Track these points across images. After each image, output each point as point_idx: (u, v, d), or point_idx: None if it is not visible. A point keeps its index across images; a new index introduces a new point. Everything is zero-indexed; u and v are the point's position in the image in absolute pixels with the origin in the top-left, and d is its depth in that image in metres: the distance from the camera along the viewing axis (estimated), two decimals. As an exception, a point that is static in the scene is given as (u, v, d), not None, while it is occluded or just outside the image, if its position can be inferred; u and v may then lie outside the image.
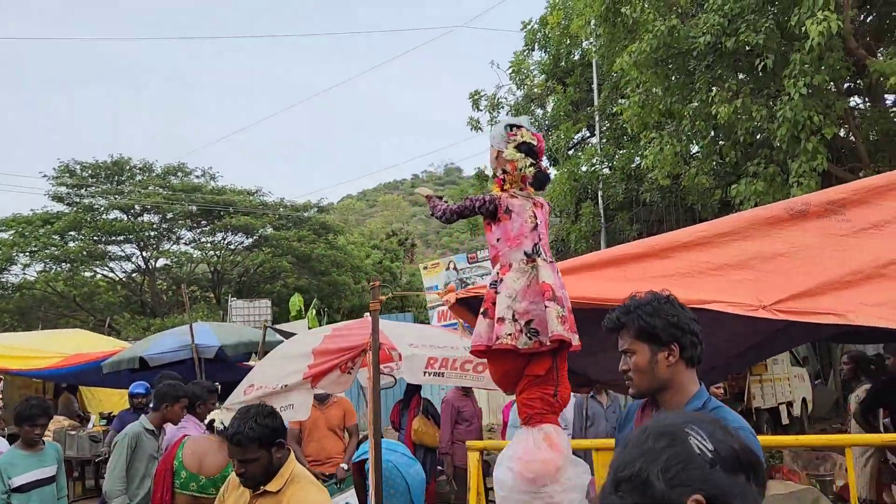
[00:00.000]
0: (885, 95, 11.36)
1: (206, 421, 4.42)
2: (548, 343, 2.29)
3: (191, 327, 8.85)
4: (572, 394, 7.73)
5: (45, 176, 27.57)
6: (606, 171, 13.77)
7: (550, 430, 2.25)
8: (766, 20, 8.98)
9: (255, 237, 30.47)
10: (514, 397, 7.49)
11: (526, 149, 2.62)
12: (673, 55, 10.17)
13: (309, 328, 13.31)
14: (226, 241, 30.83)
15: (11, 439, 6.23)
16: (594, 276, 3.77)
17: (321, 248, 29.74)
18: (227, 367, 9.32)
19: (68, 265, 26.51)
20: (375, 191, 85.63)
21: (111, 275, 29.52)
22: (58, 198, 27.78)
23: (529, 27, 16.80)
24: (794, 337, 5.08)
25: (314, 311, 21.32)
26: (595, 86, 14.68)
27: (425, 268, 15.16)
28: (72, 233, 26.89)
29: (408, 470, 4.74)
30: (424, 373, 3.91)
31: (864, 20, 11.07)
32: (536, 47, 16.86)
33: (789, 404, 11.93)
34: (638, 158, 13.43)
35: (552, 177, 15.51)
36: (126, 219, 28.38)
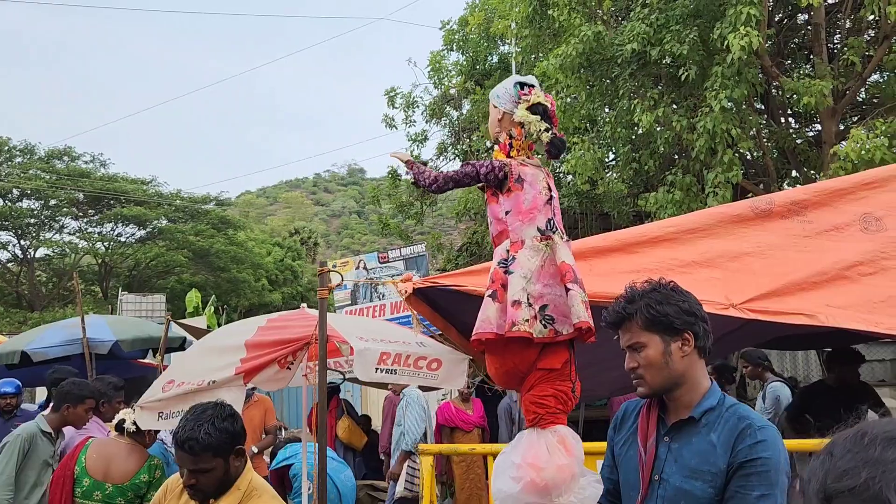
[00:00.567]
0: (788, 113, 11.92)
1: (115, 421, 3.91)
2: (567, 332, 1.99)
3: (82, 319, 8.08)
4: (506, 395, 7.63)
5: None
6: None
7: (566, 433, 1.97)
8: (690, 32, 9.16)
9: (148, 229, 28.87)
10: (449, 398, 7.23)
11: (541, 111, 2.31)
12: (598, 61, 10.24)
13: (207, 327, 12.60)
14: (116, 233, 29.06)
15: None
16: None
17: (220, 244, 28.56)
18: (121, 365, 8.61)
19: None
20: (276, 188, 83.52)
21: (-17, 264, 27.24)
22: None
23: (448, 27, 16.66)
24: (742, 339, 5.09)
25: (212, 309, 20.39)
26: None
27: (334, 266, 14.63)
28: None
29: (338, 476, 4.41)
30: (376, 369, 3.58)
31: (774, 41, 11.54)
32: (455, 48, 16.72)
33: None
34: (556, 163, 13.51)
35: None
36: (2, 203, 26.20)
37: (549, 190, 2.23)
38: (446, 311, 3.62)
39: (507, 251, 2.14)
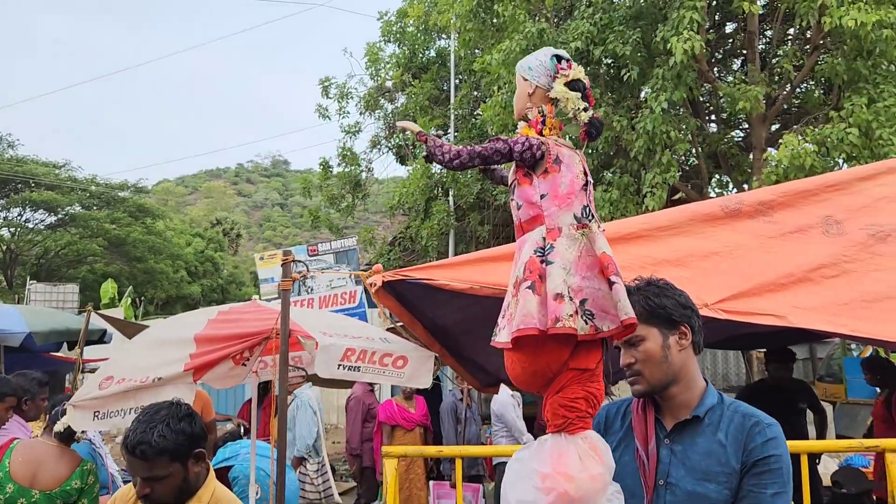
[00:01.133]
0: (713, 119, 12.26)
1: (58, 428, 3.56)
2: (606, 328, 1.83)
3: (-11, 308, 7.51)
4: (449, 394, 7.52)
5: None
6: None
7: (596, 439, 1.82)
8: (633, 33, 9.25)
9: (59, 215, 27.38)
10: (397, 395, 7.05)
11: (581, 88, 2.07)
12: (540, 59, 10.24)
13: (124, 318, 12.00)
14: (23, 218, 27.45)
15: None
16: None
17: (138, 233, 27.39)
18: (31, 358, 8.06)
19: None
20: (196, 177, 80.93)
21: None
22: None
23: (386, 18, 16.42)
24: (706, 336, 5.11)
25: (129, 300, 19.57)
26: (452, 84, 14.57)
27: (261, 258, 14.15)
28: None
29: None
30: (339, 366, 3.37)
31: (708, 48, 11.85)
32: (392, 40, 16.50)
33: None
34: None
35: (407, 173, 15.24)
36: None
37: (585, 175, 2.02)
38: (413, 305, 3.47)
39: (544, 239, 1.91)
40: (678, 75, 9.02)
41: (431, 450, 3.23)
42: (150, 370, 3.32)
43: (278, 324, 3.29)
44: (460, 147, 2.04)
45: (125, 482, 3.73)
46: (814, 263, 3.49)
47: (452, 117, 14.35)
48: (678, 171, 9.63)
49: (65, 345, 8.71)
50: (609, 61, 10.34)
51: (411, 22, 15.72)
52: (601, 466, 1.74)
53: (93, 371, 7.09)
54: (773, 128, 11.51)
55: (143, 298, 22.96)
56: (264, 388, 7.02)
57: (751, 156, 11.24)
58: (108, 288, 19.67)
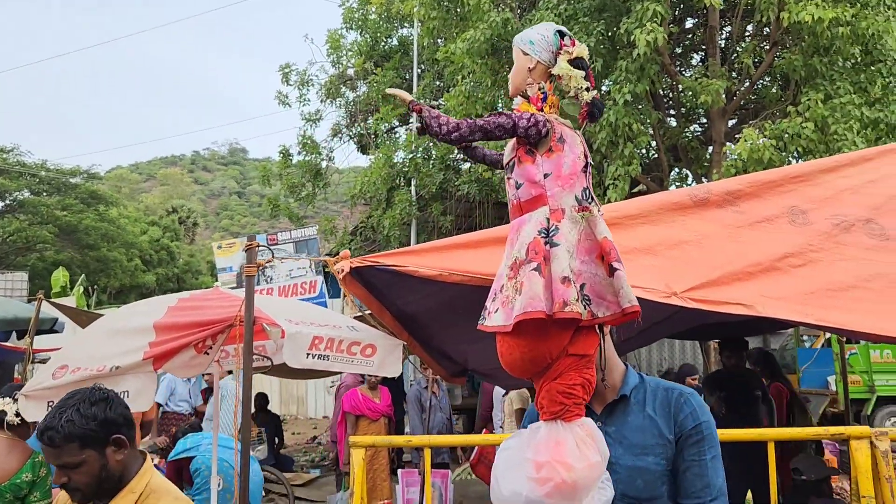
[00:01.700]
0: (672, 113, 12.41)
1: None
2: (602, 315, 1.76)
3: (-62, 297, 7.21)
4: (414, 383, 7.46)
5: None
6: (422, 160, 13.59)
7: (592, 426, 1.75)
8: (597, 25, 9.28)
9: (7, 201, 26.50)
10: (361, 385, 6.95)
11: (584, 67, 1.99)
12: (504, 48, 10.21)
13: (76, 307, 11.66)
14: (-31, 204, 26.53)
15: None
16: (497, 251, 3.42)
17: (90, 220, 26.63)
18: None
19: None
20: (151, 164, 79.12)
21: None
22: None
23: (348, 4, 16.20)
24: (670, 327, 5.16)
25: (81, 289, 19.04)
26: (415, 73, 14.46)
27: (219, 247, 13.89)
28: None
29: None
30: (308, 354, 3.28)
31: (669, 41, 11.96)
32: (354, 27, 16.29)
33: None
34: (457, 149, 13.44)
35: (369, 162, 15.07)
36: None
37: (585, 156, 1.95)
38: (381, 293, 3.40)
39: (548, 220, 1.83)
40: (641, 68, 9.08)
41: (400, 439, 3.18)
42: (106, 359, 3.19)
43: (242, 311, 3.19)
44: (460, 119, 1.94)
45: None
46: (780, 252, 3.51)
47: (415, 106, 14.24)
48: (639, 164, 9.72)
49: (13, 334, 8.42)
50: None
51: (374, 9, 15.55)
52: (598, 454, 1.70)
53: (43, 361, 6.86)
54: (732, 122, 11.70)
55: (95, 287, 22.36)
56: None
57: (710, 149, 11.42)
58: (60, 276, 19.06)
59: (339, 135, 17.14)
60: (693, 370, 8.76)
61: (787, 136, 8.55)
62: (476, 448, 5.76)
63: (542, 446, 1.70)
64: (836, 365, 10.18)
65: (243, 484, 2.95)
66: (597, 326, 1.84)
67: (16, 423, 3.37)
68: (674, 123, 12.30)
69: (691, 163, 11.89)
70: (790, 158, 8.98)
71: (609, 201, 9.05)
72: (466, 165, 13.46)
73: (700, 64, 12.24)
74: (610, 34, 9.53)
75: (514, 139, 1.98)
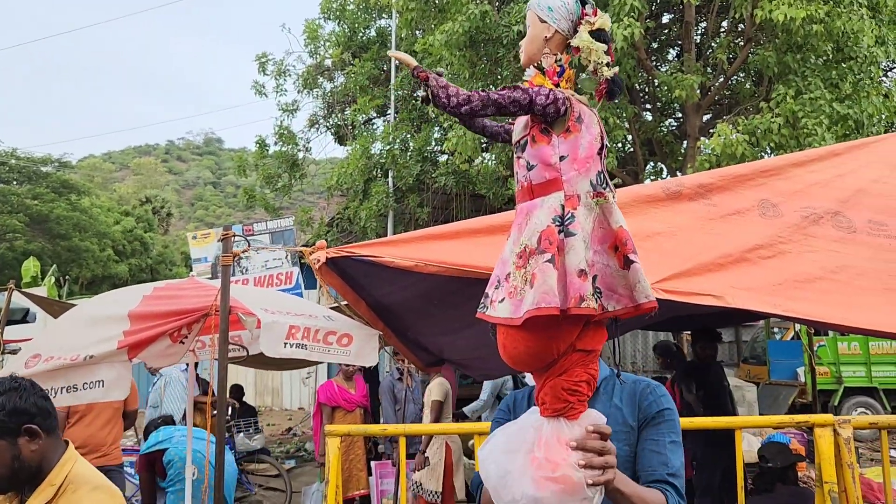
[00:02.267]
0: (647, 107, 12.52)
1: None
2: (612, 309, 1.63)
3: None
4: (387, 374, 7.45)
5: None
6: (399, 151, 13.58)
7: (597, 417, 1.67)
8: (575, 19, 9.32)
9: (-24, 190, 26.05)
10: (337, 375, 6.94)
11: (606, 40, 1.81)
12: (482, 41, 10.22)
13: (48, 297, 11.50)
14: (-64, 192, 25.99)
15: None
16: (474, 242, 3.46)
17: (62, 209, 26.23)
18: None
19: None
20: (124, 153, 78.06)
21: None
22: None
23: (326, -5, 16.09)
24: (641, 318, 5.20)
25: (53, 280, 18.76)
26: (393, 64, 14.41)
27: (194, 237, 13.76)
28: None
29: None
30: (285, 344, 3.28)
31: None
32: (331, 17, 16.18)
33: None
34: (434, 141, 13.44)
35: (346, 153, 15.00)
36: None
37: (602, 137, 1.79)
38: (357, 283, 3.41)
39: (563, 206, 1.68)
40: (617, 62, 9.15)
41: (375, 428, 3.20)
42: (80, 348, 3.17)
43: (218, 300, 3.19)
44: (471, 92, 1.75)
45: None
46: (750, 244, 3.58)
47: (393, 98, 14.21)
48: (615, 158, 9.81)
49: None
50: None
51: (351, 0, 15.47)
52: None
53: (14, 352, 6.77)
54: (706, 117, 11.83)
55: (67, 278, 22.07)
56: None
57: (684, 144, 11.54)
58: (30, 266, 18.73)
59: (316, 125, 17.05)
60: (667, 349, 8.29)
61: (759, 131, 8.67)
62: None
63: (553, 445, 1.60)
64: (805, 356, 10.36)
65: (217, 473, 2.96)
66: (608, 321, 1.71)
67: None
68: (649, 118, 12.43)
69: (666, 157, 12.01)
70: (763, 154, 9.11)
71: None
72: (444, 158, 13.47)
73: (675, 59, 12.37)
74: (587, 28, 9.57)
75: (528, 115, 1.80)
